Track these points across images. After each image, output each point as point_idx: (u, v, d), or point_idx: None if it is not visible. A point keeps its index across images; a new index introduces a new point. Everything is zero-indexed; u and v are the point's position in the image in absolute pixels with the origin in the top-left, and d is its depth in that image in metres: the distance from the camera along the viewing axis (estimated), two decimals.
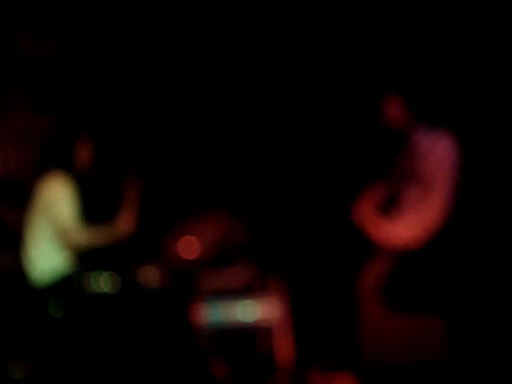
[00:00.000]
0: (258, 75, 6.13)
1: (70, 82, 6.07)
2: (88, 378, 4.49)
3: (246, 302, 4.84)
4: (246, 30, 6.14)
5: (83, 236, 4.67)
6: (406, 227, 4.46)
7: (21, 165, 5.78)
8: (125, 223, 4.77)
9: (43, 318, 4.66)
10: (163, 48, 6.23)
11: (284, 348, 4.85)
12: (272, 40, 6.03)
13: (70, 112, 5.91)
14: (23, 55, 5.83)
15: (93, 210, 4.95)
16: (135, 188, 4.85)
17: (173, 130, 6.22)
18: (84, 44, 6.13)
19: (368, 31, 5.68)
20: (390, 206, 4.61)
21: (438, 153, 4.43)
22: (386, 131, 4.67)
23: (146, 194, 5.39)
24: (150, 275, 4.83)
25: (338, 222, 5.79)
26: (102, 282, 4.66)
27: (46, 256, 4.74)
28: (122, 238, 4.77)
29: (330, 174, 5.88)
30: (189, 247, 5.05)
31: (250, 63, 6.14)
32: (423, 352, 4.38)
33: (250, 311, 4.82)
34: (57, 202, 4.68)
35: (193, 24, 6.21)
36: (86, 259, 4.87)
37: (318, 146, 5.95)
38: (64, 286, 4.68)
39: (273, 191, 6.01)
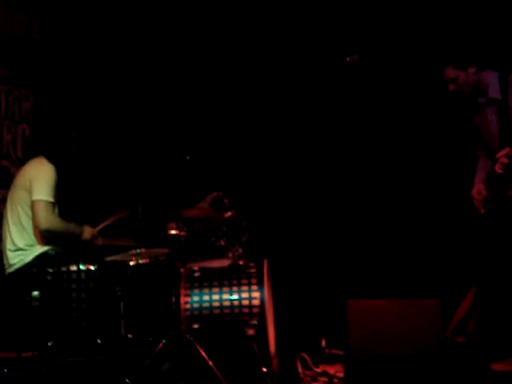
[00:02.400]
0: (251, 69, 6.09)
1: (53, 63, 5.98)
2: (66, 353, 4.43)
3: (234, 285, 4.76)
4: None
5: (51, 217, 4.66)
6: None
7: (3, 146, 5.72)
8: (88, 234, 4.85)
9: (22, 297, 4.59)
10: (148, 35, 6.17)
11: (272, 332, 4.79)
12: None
13: (56, 98, 5.85)
14: (6, 35, 5.74)
15: (68, 198, 4.94)
16: (118, 216, 4.96)
17: (163, 119, 6.18)
18: (68, 26, 6.05)
19: None
20: None
21: None
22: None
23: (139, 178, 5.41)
24: (134, 253, 4.78)
25: (328, 208, 5.79)
26: (83, 259, 4.60)
27: (24, 235, 4.72)
28: (78, 238, 4.83)
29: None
30: (178, 230, 4.97)
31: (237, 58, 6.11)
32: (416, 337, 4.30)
33: (239, 295, 4.74)
34: (37, 180, 4.67)
35: (175, 15, 6.17)
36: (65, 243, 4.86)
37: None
38: (39, 264, 4.63)
39: (266, 182, 5.99)
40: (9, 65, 5.75)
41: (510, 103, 4.51)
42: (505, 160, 4.46)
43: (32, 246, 4.73)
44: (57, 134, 4.86)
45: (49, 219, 4.65)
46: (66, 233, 4.77)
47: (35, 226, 4.70)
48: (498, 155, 4.50)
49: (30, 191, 4.68)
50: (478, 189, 4.73)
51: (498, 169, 4.50)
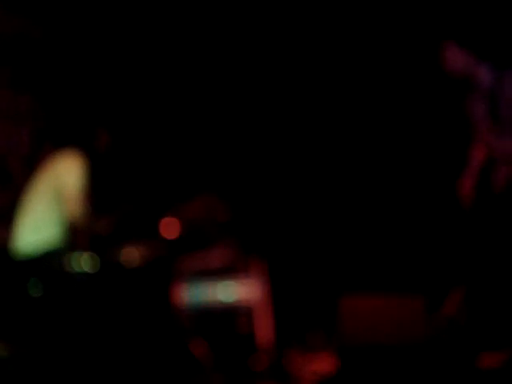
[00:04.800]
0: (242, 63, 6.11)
1: (52, 60, 6.01)
2: (67, 356, 4.49)
3: (227, 282, 4.84)
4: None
5: (81, 211, 4.72)
6: None
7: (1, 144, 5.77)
8: (105, 226, 4.91)
9: (23, 297, 4.66)
10: (147, 28, 6.17)
11: (264, 328, 4.84)
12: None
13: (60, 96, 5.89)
14: (4, 34, 5.77)
15: (96, 192, 4.99)
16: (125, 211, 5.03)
17: (159, 114, 6.20)
18: (67, 23, 6.07)
19: None
20: None
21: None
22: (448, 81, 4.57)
23: (134, 175, 5.45)
24: (130, 255, 4.84)
25: (318, 203, 5.81)
26: (83, 261, 4.67)
27: (36, 228, 4.75)
28: (97, 233, 4.90)
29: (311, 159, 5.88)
30: (170, 228, 5.04)
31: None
32: (403, 332, 4.37)
33: (231, 292, 4.81)
34: (67, 174, 4.73)
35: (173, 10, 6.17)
36: (70, 238, 4.90)
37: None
38: (45, 264, 4.69)
39: (256, 174, 6.01)
40: (7, 64, 5.80)
41: (502, 100, 4.49)
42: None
43: (44, 241, 4.73)
44: (85, 127, 4.95)
45: (81, 211, 4.70)
46: (90, 228, 4.82)
47: (70, 219, 4.74)
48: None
49: (59, 185, 4.73)
50: (463, 183, 4.74)
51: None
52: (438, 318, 4.96)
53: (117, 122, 5.99)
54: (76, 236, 4.91)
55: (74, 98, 5.88)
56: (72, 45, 6.09)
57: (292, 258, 5.77)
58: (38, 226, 4.76)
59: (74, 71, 6.06)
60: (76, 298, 4.61)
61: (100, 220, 4.88)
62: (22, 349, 4.60)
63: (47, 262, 4.70)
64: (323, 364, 4.77)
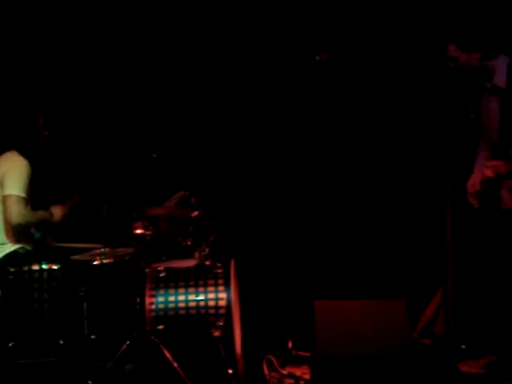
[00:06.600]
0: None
1: (16, 55, 5.89)
2: (27, 354, 4.37)
3: (199, 287, 4.71)
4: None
5: (23, 212, 4.57)
6: None
7: None
8: (57, 214, 4.83)
9: None
10: (117, 21, 6.09)
11: (238, 333, 4.75)
12: None
13: (20, 92, 5.76)
14: None
15: (40, 188, 4.87)
16: (79, 197, 4.96)
17: (131, 116, 6.12)
18: (32, 16, 5.96)
19: None
20: None
21: None
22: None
23: (105, 175, 5.32)
24: (99, 254, 4.72)
25: (295, 209, 5.76)
26: (47, 258, 4.53)
27: None
28: (50, 223, 4.83)
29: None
30: (141, 228, 4.92)
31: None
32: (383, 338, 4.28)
33: (203, 297, 4.69)
34: (9, 175, 4.59)
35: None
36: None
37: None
38: (8, 263, 4.53)
39: (233, 181, 5.95)
40: None
41: None
42: (489, 173, 4.35)
43: (3, 244, 4.64)
44: (23, 123, 4.77)
45: (21, 214, 4.56)
46: (38, 223, 4.72)
47: (6, 222, 4.61)
48: (488, 163, 4.40)
49: (2, 186, 4.59)
50: (473, 182, 4.57)
51: (488, 173, 4.36)
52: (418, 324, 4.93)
53: (90, 120, 5.92)
54: (42, 234, 4.84)
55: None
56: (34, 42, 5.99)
57: (268, 263, 5.72)
58: None
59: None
60: (40, 296, 4.46)
61: (49, 210, 4.79)
62: None
63: (10, 261, 4.54)
64: (300, 370, 4.70)
